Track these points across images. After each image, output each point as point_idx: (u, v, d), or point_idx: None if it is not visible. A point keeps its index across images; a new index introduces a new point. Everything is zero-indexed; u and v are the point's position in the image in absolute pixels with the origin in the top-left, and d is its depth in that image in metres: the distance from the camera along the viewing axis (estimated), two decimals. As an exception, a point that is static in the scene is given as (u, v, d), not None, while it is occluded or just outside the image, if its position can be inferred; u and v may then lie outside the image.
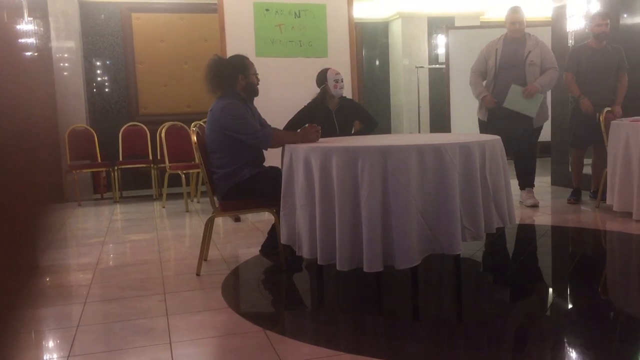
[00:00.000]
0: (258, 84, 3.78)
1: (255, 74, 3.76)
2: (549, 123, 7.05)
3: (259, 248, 3.95)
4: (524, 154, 5.56)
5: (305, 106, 4.55)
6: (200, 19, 7.52)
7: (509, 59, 5.34)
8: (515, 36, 5.38)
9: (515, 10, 5.42)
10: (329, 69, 4.48)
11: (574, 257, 4.25)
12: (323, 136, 3.78)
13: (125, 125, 7.17)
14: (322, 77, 4.53)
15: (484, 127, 5.51)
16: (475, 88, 5.53)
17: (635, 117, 4.88)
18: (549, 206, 5.74)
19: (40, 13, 6.76)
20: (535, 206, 5.46)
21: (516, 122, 5.28)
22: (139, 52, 7.47)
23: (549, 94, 7.00)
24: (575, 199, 5.64)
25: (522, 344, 2.62)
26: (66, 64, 7.07)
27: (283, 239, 3.43)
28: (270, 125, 3.87)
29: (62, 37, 7.02)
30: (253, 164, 3.67)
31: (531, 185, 5.62)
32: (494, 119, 5.40)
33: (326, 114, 4.44)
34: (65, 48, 7.06)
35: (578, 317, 2.96)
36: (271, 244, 3.79)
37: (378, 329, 2.85)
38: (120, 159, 7.00)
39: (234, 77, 3.67)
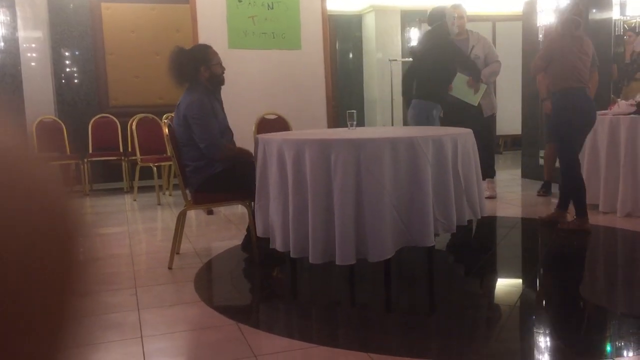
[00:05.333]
0: (223, 72, 3.72)
1: (219, 64, 3.69)
2: (519, 117, 7.17)
3: (233, 241, 3.92)
4: (482, 145, 5.64)
5: (421, 43, 5.12)
6: (172, 9, 7.41)
7: None
8: (458, 31, 5.52)
9: (456, 7, 5.54)
10: (444, 7, 4.99)
11: (543, 248, 4.32)
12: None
13: (95, 117, 7.04)
14: (439, 13, 4.97)
15: (442, 122, 5.61)
16: None
17: (604, 111, 4.97)
18: (519, 198, 5.83)
19: (7, 2, 6.59)
20: (491, 198, 5.54)
21: (469, 115, 5.35)
22: (109, 42, 7.33)
23: (518, 88, 7.10)
24: (545, 191, 5.74)
25: (493, 334, 2.66)
26: (33, 55, 6.91)
27: (259, 231, 3.41)
28: (231, 131, 3.81)
29: (30, 27, 6.86)
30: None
31: (491, 175, 5.69)
32: (449, 113, 5.49)
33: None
34: (33, 38, 6.90)
35: (547, 307, 3.02)
36: (251, 239, 3.77)
37: (351, 321, 2.87)
38: (90, 151, 6.88)
39: (196, 69, 3.61)
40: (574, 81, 4.12)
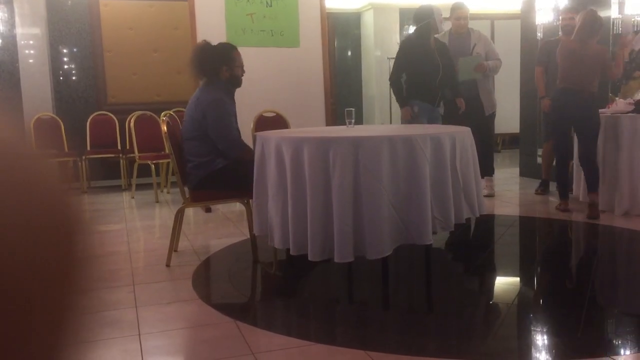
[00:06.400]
0: (242, 75, 3.74)
1: (241, 66, 3.71)
2: (517, 116, 7.17)
3: (231, 239, 3.92)
4: (481, 143, 5.64)
5: (401, 49, 5.10)
6: (170, 6, 7.40)
7: (457, 52, 5.44)
8: (460, 31, 5.53)
9: (460, 6, 5.55)
10: (432, 5, 4.85)
11: (541, 246, 4.33)
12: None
13: (93, 115, 7.03)
14: (425, 12, 4.84)
15: (443, 121, 5.59)
16: None
17: (602, 110, 4.97)
18: (517, 197, 5.83)
19: (4, -2, 6.58)
20: (490, 196, 5.53)
21: (470, 114, 5.34)
22: (107, 39, 7.32)
23: (517, 87, 7.10)
24: (543, 189, 5.74)
25: (490, 332, 2.66)
26: (31, 51, 6.90)
27: (255, 229, 3.41)
28: (239, 130, 3.82)
29: (27, 24, 6.85)
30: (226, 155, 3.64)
31: (490, 174, 5.69)
32: (449, 112, 5.48)
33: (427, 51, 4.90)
34: (31, 35, 6.88)
35: (544, 305, 3.02)
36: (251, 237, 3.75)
37: (349, 319, 2.87)
38: (88, 148, 6.87)
39: (217, 68, 3.62)
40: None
